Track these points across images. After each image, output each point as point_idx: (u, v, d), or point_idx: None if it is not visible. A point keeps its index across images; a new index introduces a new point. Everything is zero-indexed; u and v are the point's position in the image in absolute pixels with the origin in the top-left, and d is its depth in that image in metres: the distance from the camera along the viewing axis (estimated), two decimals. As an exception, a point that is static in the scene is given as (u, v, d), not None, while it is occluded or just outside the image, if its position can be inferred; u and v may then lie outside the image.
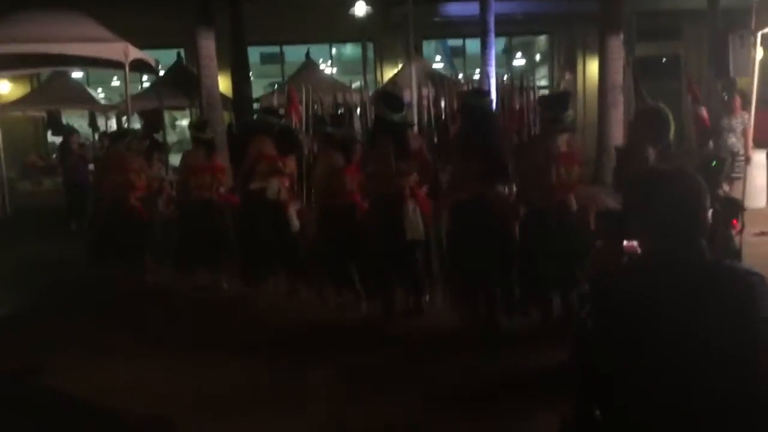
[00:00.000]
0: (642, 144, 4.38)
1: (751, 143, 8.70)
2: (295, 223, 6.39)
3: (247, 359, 4.93)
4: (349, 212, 5.78)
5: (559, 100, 5.20)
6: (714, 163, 3.37)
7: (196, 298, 6.66)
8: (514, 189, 5.57)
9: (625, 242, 2.39)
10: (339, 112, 12.05)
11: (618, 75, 12.85)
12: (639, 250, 2.22)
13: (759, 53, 8.30)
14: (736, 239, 3.04)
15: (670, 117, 4.44)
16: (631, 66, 14.55)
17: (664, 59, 20.84)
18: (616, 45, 12.79)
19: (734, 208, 2.53)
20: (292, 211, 6.44)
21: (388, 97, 5.84)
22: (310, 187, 6.48)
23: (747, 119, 8.72)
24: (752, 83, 8.52)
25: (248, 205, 6.57)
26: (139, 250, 7.27)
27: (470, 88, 6.44)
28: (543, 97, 5.86)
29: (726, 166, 3.49)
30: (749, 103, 8.60)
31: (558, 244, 4.79)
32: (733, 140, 8.87)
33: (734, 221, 2.80)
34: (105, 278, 7.22)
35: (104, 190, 7.37)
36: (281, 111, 8.54)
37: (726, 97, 9.51)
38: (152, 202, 7.59)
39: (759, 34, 8.16)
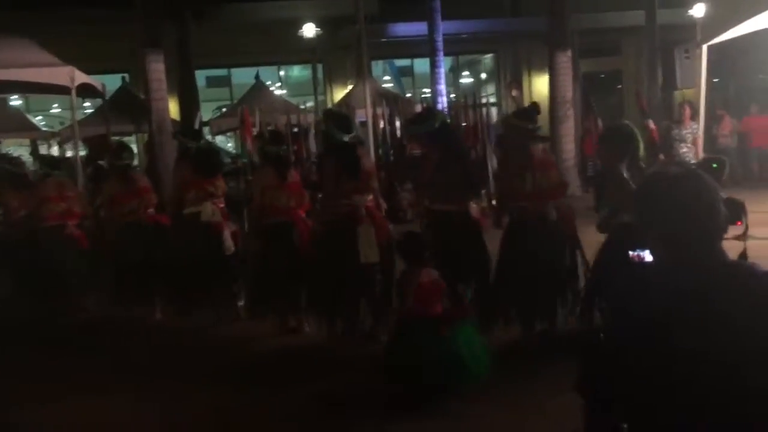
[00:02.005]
0: (614, 163, 4.41)
1: (701, 152, 8.94)
2: (230, 245, 6.24)
3: (207, 389, 4.67)
4: (287, 230, 5.66)
5: (533, 111, 5.26)
6: (715, 165, 3.40)
7: (138, 328, 6.37)
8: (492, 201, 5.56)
9: (630, 253, 2.35)
10: (294, 131, 11.97)
11: (567, 90, 13.15)
12: (648, 259, 2.18)
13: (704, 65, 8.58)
14: (740, 241, 3.04)
15: (636, 132, 4.55)
16: (580, 81, 14.98)
17: (602, 75, 21.51)
18: (564, 61, 13.10)
19: (738, 209, 2.51)
20: (227, 233, 6.27)
21: (337, 116, 5.72)
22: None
23: (696, 129, 8.99)
24: (699, 94, 8.82)
25: (181, 230, 6.38)
26: (80, 280, 7.00)
27: (414, 116, 6.37)
28: (515, 112, 5.93)
29: (726, 169, 3.53)
30: (698, 113, 8.89)
31: (540, 254, 4.78)
32: (685, 150, 9.10)
33: (738, 222, 2.78)
34: (44, 309, 6.87)
35: (44, 217, 7.05)
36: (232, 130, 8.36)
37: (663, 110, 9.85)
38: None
39: (704, 47, 8.43)
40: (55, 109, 20.58)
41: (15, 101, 17.42)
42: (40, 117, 19.95)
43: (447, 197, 5.10)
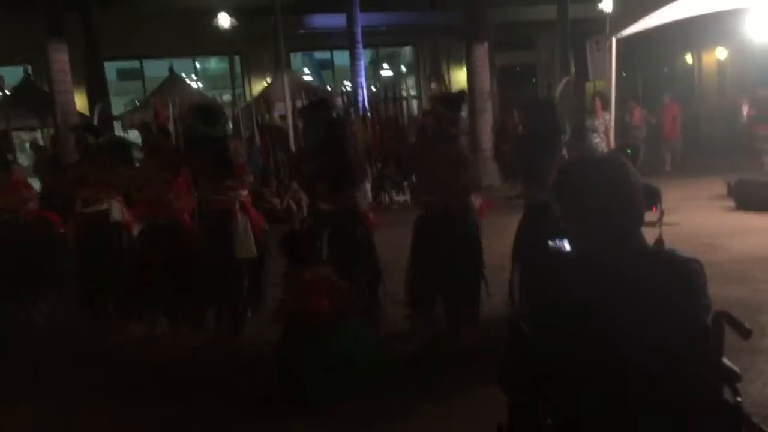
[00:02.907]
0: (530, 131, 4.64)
1: (612, 142, 9.21)
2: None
3: (104, 397, 4.44)
4: (172, 230, 5.42)
5: (459, 100, 5.04)
6: (629, 151, 3.43)
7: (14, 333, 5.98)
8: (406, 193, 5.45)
9: (549, 243, 2.32)
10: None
11: (485, 82, 13.32)
12: (568, 249, 2.15)
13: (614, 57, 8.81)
14: (656, 226, 3.09)
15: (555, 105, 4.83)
16: (497, 75, 15.23)
17: (518, 68, 21.97)
18: (482, 53, 13.26)
19: (653, 194, 2.54)
20: (136, 229, 5.95)
21: (201, 109, 5.42)
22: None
23: (608, 119, 9.25)
24: (610, 85, 9.07)
25: (86, 230, 6.01)
26: None
27: (312, 102, 6.22)
28: (443, 96, 5.64)
29: (641, 155, 3.58)
30: (609, 104, 9.14)
31: (463, 247, 4.74)
32: (597, 140, 9.38)
33: (654, 208, 2.83)
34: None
35: None
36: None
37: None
38: None
39: (614, 39, 8.65)
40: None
41: None
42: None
43: (332, 194, 4.96)
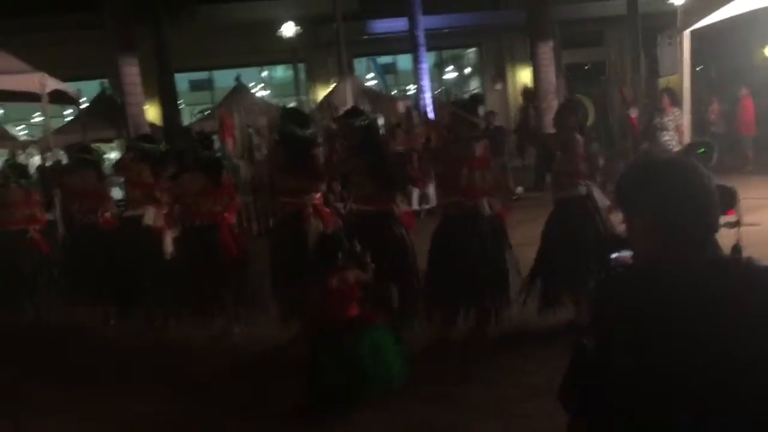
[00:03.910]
0: (571, 131, 4.78)
1: (686, 139, 8.79)
2: (169, 249, 6.19)
3: (177, 399, 4.47)
4: (211, 233, 5.58)
5: (475, 102, 5.19)
6: (702, 150, 3.24)
7: (82, 334, 6.22)
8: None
9: (613, 255, 2.19)
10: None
11: (550, 81, 13.05)
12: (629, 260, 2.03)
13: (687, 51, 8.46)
14: (733, 232, 2.85)
15: (588, 108, 5.03)
16: (563, 73, 14.89)
17: (586, 66, 21.46)
18: (546, 52, 13.00)
19: (729, 197, 2.34)
20: (169, 238, 6.19)
21: (294, 113, 5.70)
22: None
23: (679, 116, 8.84)
24: (681, 80, 8.70)
25: (123, 232, 6.33)
26: (36, 285, 6.91)
27: (346, 111, 6.42)
28: (460, 100, 5.85)
29: (715, 154, 3.40)
30: (679, 100, 8.75)
31: (473, 250, 4.71)
32: (667, 138, 8.95)
33: (730, 212, 2.62)
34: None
35: (7, 222, 7.02)
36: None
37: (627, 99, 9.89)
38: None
39: (686, 33, 8.31)
40: (38, 118, 20.31)
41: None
42: (21, 126, 19.72)
43: (369, 197, 4.99)
